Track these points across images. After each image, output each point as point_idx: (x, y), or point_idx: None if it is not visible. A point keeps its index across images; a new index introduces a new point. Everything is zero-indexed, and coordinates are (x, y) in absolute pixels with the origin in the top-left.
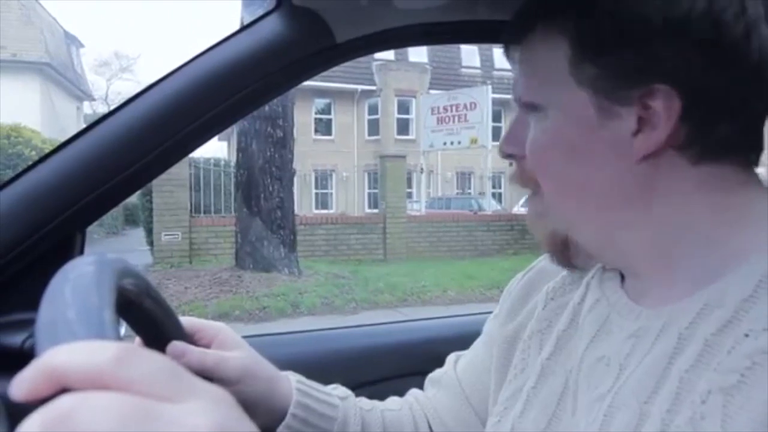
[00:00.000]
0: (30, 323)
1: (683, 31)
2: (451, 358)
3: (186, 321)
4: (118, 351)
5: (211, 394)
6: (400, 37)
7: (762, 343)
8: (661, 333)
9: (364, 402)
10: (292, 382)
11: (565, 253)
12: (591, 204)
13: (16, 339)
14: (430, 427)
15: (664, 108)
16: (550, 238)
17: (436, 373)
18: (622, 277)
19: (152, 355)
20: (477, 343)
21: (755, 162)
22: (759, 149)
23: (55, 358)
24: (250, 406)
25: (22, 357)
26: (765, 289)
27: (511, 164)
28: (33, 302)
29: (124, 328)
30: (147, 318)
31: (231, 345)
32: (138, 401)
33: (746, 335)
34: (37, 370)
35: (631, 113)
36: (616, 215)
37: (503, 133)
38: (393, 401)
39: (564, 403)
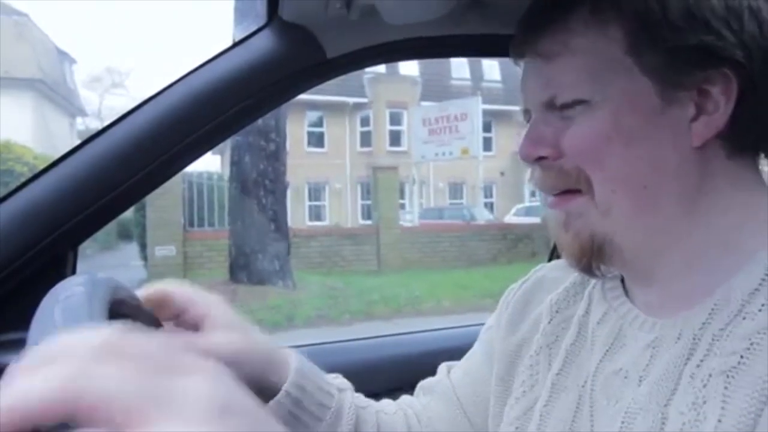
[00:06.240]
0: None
1: (740, 20)
2: (443, 368)
3: (178, 294)
4: (102, 337)
5: (209, 368)
6: (390, 52)
7: (759, 322)
8: (678, 339)
9: (360, 399)
10: (293, 362)
11: (595, 260)
12: (646, 197)
13: (9, 359)
14: None
15: (723, 93)
16: (586, 243)
17: (429, 382)
18: (623, 286)
19: (143, 339)
20: (473, 353)
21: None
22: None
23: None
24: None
25: None
26: None
27: (502, 173)
28: (25, 322)
29: None
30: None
31: (222, 325)
32: (143, 370)
33: (743, 318)
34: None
35: (690, 99)
36: (665, 212)
37: (525, 136)
38: (388, 404)
39: (580, 419)
